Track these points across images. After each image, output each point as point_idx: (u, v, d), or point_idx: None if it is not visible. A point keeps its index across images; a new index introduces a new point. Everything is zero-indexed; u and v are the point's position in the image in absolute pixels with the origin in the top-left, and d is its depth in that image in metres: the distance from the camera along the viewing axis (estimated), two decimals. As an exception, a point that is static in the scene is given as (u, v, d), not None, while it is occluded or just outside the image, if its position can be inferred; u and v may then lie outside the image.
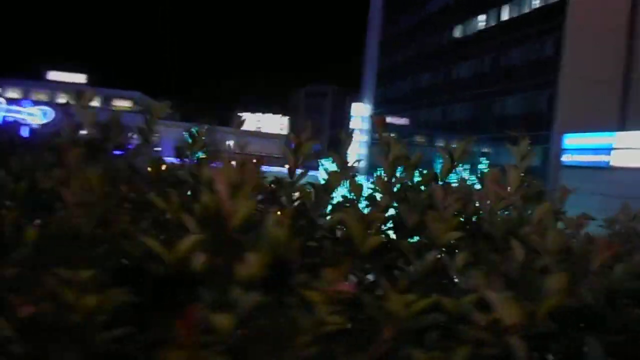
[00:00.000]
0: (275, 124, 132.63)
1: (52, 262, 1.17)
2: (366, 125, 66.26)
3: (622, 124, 32.69)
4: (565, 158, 32.01)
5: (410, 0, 55.73)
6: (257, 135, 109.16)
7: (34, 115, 44.31)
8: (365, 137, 66.59)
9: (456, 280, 1.42)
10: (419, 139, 52.71)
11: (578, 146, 31.39)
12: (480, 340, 1.12)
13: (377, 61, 62.32)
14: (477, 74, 42.28)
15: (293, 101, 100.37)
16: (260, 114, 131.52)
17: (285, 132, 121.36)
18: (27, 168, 1.82)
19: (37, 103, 50.07)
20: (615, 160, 28.53)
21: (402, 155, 2.09)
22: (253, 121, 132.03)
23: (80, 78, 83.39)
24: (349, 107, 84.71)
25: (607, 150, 29.16)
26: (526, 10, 37.58)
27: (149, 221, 1.48)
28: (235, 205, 1.23)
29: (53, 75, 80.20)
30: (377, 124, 2.17)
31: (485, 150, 39.44)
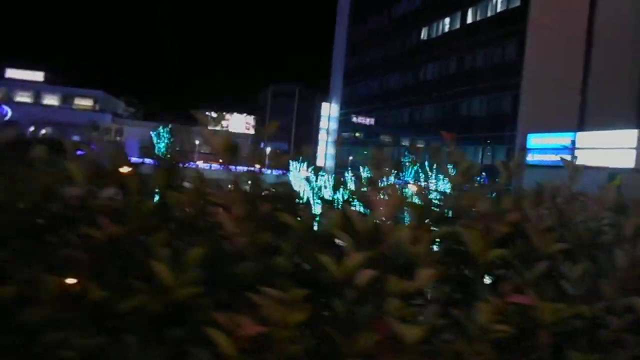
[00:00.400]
0: (241, 123, 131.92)
1: (232, 283, 1.29)
2: (334, 125, 66.83)
3: (582, 125, 34.19)
4: (530, 157, 33.20)
5: (377, 3, 56.53)
6: (222, 134, 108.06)
7: None
8: (332, 137, 67.16)
9: (567, 287, 1.52)
10: (385, 138, 53.51)
11: (542, 146, 32.62)
12: (620, 342, 1.28)
13: (345, 62, 62.90)
14: (443, 75, 43.32)
15: (260, 101, 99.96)
16: (226, 114, 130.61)
17: (251, 131, 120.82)
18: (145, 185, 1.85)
19: None
20: (578, 159, 29.72)
21: (472, 167, 2.20)
22: (217, 120, 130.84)
23: (37, 76, 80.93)
24: (316, 106, 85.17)
25: (570, 149, 30.41)
26: (490, 14, 38.73)
27: (291, 239, 1.53)
28: (391, 228, 1.44)
29: (10, 73, 77.44)
30: (448, 138, 2.34)
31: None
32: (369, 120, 57.61)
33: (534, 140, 33.19)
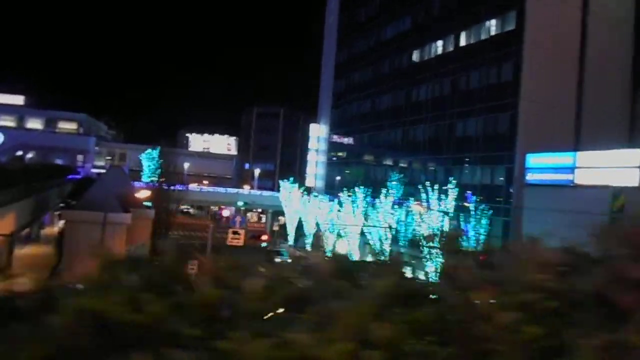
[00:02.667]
0: (223, 144, 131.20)
1: None
2: (323, 146, 67.04)
3: (577, 144, 35.05)
4: (529, 177, 33.80)
5: (366, 25, 57.43)
6: (207, 156, 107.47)
7: None
8: (321, 157, 67.28)
9: None
10: (375, 159, 53.90)
11: (541, 165, 33.25)
12: None
13: (334, 83, 63.44)
14: (437, 96, 43.97)
15: (244, 121, 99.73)
16: (207, 135, 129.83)
17: (233, 152, 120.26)
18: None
19: None
20: (579, 178, 30.44)
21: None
22: (200, 142, 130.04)
23: (17, 99, 79.52)
24: (302, 127, 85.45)
25: (570, 169, 31.08)
26: (483, 36, 39.64)
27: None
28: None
29: (-10, 97, 75.87)
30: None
31: (446, 170, 40.95)
32: (358, 141, 57.98)
33: (533, 160, 33.80)
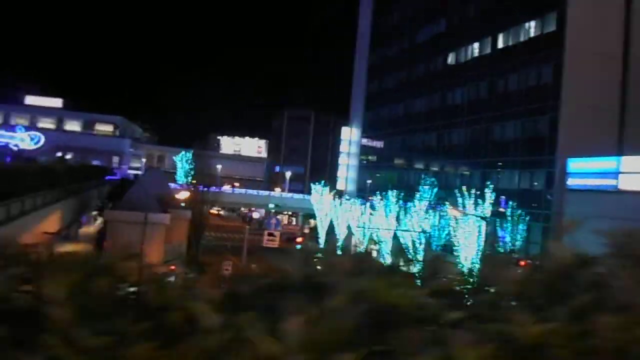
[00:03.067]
0: (253, 147, 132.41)
1: None
2: (354, 149, 66.88)
3: (620, 149, 33.99)
4: (570, 182, 32.93)
5: (400, 27, 57.12)
6: (238, 158, 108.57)
7: (24, 141, 43.29)
8: (353, 161, 67.13)
9: None
10: (408, 163, 53.43)
11: (583, 170, 32.37)
12: None
13: (366, 85, 63.28)
14: (473, 99, 43.37)
15: (274, 125, 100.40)
16: (238, 138, 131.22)
17: (263, 155, 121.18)
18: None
19: (27, 129, 49.20)
20: (623, 183, 29.52)
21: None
22: (231, 144, 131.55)
23: (56, 102, 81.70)
24: (333, 130, 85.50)
25: (614, 174, 30.16)
26: (523, 38, 38.91)
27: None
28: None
29: (31, 100, 78.25)
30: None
31: (482, 175, 40.26)
32: (391, 144, 57.64)
33: (575, 164, 32.96)
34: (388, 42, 59.34)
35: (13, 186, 17.59)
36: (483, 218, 33.17)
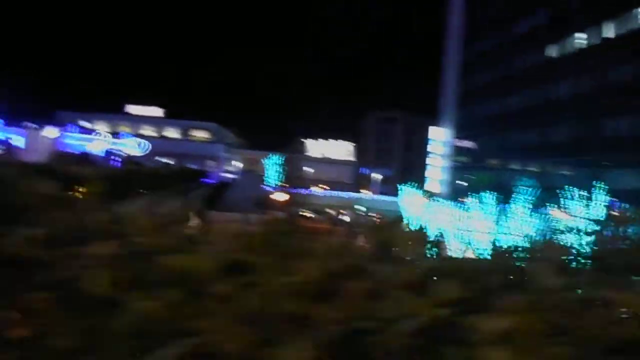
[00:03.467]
0: (341, 150, 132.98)
1: None
2: (445, 150, 64.95)
3: None
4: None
5: (495, 21, 54.68)
6: (325, 161, 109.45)
7: (131, 147, 46.70)
8: (444, 162, 65.21)
9: None
10: (504, 163, 50.91)
11: None
12: None
13: (457, 83, 61.26)
14: (579, 94, 40.42)
15: (362, 127, 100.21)
16: (325, 140, 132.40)
17: (351, 158, 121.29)
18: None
19: (133, 136, 53.65)
20: None
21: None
22: (318, 147, 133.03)
23: (157, 111, 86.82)
24: (422, 131, 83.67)
25: None
26: (635, 26, 35.71)
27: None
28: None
29: (133, 109, 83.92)
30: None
31: (589, 174, 37.35)
32: (485, 144, 55.30)
33: None
34: (481, 37, 57.03)
35: (127, 189, 18.60)
36: (595, 221, 30.69)
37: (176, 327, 1.40)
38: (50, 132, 44.59)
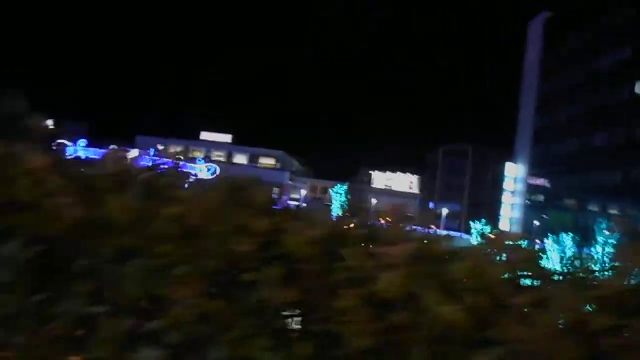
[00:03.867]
0: (405, 182, 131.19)
1: None
2: (520, 187, 62.27)
3: None
4: None
5: (575, 56, 52.48)
6: (389, 193, 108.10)
7: (202, 171, 48.65)
8: (517, 199, 62.44)
9: None
10: (583, 203, 47.96)
11: None
12: None
13: (534, 119, 58.96)
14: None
15: (428, 160, 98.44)
16: (390, 172, 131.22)
17: (415, 190, 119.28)
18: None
19: (207, 161, 56.59)
20: None
21: None
22: (383, 179, 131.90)
23: (226, 138, 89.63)
24: (493, 166, 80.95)
25: None
26: None
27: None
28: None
29: (205, 135, 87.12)
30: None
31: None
32: (562, 182, 52.48)
33: None
34: (560, 72, 54.81)
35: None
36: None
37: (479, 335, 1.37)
38: (134, 154, 47.06)
